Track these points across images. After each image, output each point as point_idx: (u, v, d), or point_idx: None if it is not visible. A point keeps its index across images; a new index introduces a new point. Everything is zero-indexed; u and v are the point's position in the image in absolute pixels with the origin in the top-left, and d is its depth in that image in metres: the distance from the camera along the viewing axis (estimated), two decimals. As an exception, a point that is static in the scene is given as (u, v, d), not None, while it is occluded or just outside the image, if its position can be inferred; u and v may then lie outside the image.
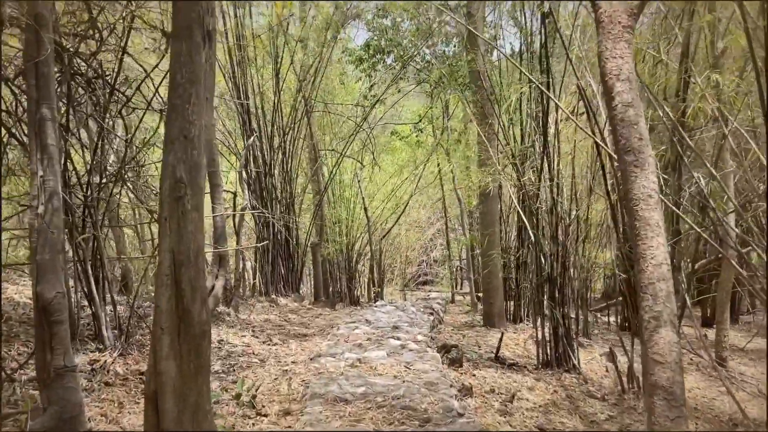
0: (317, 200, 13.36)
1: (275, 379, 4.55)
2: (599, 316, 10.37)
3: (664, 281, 2.53)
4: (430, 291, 24.85)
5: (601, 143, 5.10)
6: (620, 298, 9.69)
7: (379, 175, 15.55)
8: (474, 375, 5.76)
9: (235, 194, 10.32)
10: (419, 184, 15.05)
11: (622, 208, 5.59)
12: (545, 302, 6.31)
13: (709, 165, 5.37)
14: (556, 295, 6.28)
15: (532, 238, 6.80)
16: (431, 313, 8.76)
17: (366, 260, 17.62)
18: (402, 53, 10.33)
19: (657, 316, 2.51)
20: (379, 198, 16.05)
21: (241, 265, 13.89)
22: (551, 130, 6.14)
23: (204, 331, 2.62)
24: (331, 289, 15.59)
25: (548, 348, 6.36)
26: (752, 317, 11.60)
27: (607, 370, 7.09)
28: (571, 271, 6.48)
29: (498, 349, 6.51)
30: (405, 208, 15.34)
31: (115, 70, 4.71)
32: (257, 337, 6.11)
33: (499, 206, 8.95)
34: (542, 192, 6.25)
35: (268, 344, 5.82)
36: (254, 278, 11.47)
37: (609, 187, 5.72)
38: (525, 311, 9.22)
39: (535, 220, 6.33)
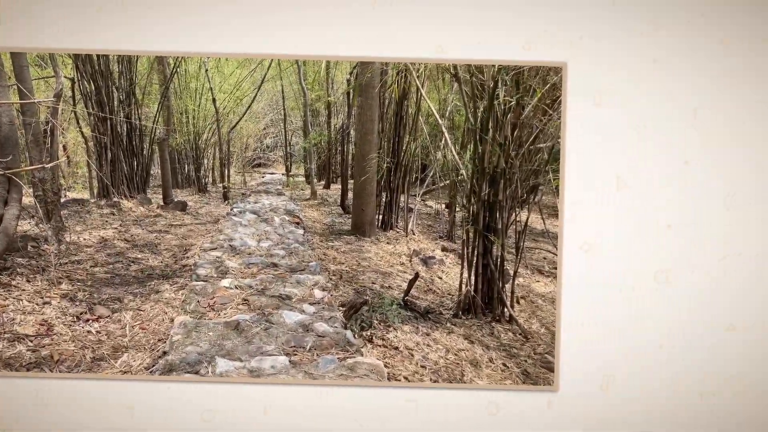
0: (163, 90, 11.86)
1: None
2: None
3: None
4: (264, 173, 24.22)
5: None
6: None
7: (226, 66, 14.30)
8: (396, 347, 3.41)
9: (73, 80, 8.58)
10: (266, 75, 14.10)
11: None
12: (471, 230, 4.50)
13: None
14: (496, 220, 4.11)
15: (443, 138, 5.83)
16: (298, 223, 8.43)
17: (211, 148, 16.32)
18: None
19: None
20: (225, 90, 14.69)
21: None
22: None
23: None
24: (179, 177, 14.33)
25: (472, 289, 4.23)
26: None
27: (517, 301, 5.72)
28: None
29: (407, 292, 4.49)
30: (252, 101, 14.42)
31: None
32: (72, 300, 3.80)
33: (379, 102, 7.71)
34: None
35: (85, 320, 3.33)
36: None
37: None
38: (396, 217, 8.82)
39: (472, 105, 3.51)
